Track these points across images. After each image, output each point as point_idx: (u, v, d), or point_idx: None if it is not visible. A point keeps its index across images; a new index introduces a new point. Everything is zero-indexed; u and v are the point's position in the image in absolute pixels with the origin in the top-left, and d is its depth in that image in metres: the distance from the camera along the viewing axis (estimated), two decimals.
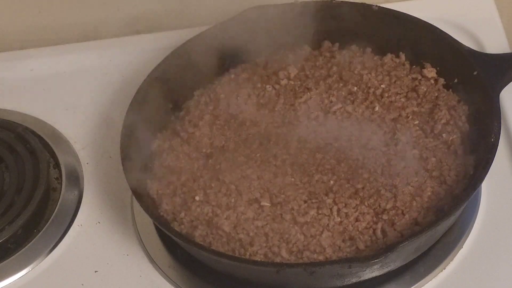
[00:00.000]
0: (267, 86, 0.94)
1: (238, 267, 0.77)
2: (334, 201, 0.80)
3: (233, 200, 0.82)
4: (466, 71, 0.87)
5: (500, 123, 0.80)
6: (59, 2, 1.12)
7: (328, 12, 0.96)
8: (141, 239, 0.87)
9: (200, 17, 1.09)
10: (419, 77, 0.92)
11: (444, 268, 0.81)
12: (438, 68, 0.92)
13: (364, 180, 0.82)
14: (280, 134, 0.88)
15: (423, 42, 0.92)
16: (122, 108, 0.90)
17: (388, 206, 0.79)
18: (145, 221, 0.88)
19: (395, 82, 0.92)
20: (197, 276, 0.83)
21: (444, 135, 0.85)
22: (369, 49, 0.96)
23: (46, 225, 0.90)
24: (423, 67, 0.93)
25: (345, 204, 0.80)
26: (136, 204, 0.87)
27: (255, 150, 0.87)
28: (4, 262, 0.87)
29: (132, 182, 0.82)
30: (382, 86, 0.91)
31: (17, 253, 0.87)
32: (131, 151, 0.85)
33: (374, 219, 0.79)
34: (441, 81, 0.91)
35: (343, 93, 0.91)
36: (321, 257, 0.76)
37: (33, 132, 0.99)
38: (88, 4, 1.12)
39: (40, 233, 0.89)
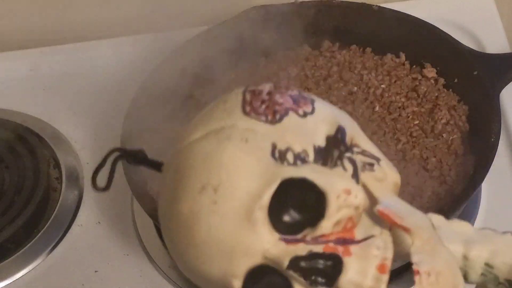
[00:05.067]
0: None
1: None
2: None
3: None
4: (466, 71, 0.87)
5: (500, 123, 0.80)
6: (59, 2, 1.11)
7: (328, 12, 0.96)
8: (141, 239, 0.87)
9: (200, 17, 1.08)
10: (419, 77, 0.92)
11: None
12: (438, 68, 0.92)
13: None
14: None
15: (423, 42, 0.92)
16: (122, 108, 0.90)
17: None
18: (145, 221, 0.88)
19: (395, 82, 0.92)
20: None
21: (444, 135, 0.85)
22: (369, 49, 0.96)
23: (46, 225, 0.89)
24: (423, 67, 0.92)
25: None
26: (136, 204, 0.87)
27: None
28: (4, 262, 0.87)
29: (132, 182, 0.82)
30: (382, 86, 0.91)
31: (17, 253, 0.87)
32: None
33: None
34: (441, 81, 0.91)
35: (343, 93, 0.91)
36: None
37: (33, 132, 0.99)
38: (88, 4, 1.11)
39: (40, 233, 0.89)
